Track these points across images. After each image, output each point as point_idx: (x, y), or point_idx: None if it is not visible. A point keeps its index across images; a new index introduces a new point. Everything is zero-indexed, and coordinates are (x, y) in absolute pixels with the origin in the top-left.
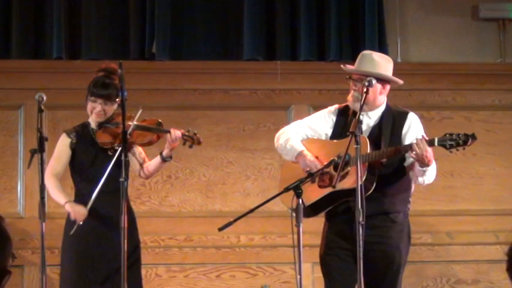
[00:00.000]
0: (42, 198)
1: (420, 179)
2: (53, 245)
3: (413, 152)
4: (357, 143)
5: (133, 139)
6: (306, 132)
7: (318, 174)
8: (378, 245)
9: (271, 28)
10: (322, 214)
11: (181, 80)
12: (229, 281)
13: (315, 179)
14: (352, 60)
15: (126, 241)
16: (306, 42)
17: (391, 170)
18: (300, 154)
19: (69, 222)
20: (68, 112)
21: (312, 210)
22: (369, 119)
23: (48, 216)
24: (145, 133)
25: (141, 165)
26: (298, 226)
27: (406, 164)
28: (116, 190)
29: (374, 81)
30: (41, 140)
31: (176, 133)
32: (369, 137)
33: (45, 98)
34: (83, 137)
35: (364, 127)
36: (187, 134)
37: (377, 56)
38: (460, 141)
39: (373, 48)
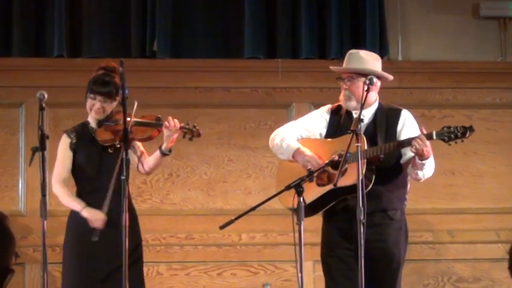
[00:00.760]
0: (43, 196)
1: (420, 173)
2: (54, 243)
3: (413, 147)
4: (358, 141)
5: (133, 135)
6: (301, 133)
7: (318, 172)
8: (377, 243)
9: (272, 26)
10: (321, 213)
11: (182, 78)
12: (230, 279)
13: (313, 178)
14: None
15: (127, 239)
16: (307, 40)
17: (387, 166)
18: (297, 151)
19: (73, 220)
20: (69, 110)
21: (310, 209)
22: (363, 117)
23: (50, 214)
24: (144, 128)
25: (139, 159)
26: (299, 224)
27: (402, 161)
28: (117, 188)
29: (375, 79)
30: (42, 138)
31: (174, 120)
32: (364, 134)
33: (46, 95)
34: (82, 136)
35: None
36: (186, 126)
37: (364, 53)
38: (459, 134)
39: (374, 47)
